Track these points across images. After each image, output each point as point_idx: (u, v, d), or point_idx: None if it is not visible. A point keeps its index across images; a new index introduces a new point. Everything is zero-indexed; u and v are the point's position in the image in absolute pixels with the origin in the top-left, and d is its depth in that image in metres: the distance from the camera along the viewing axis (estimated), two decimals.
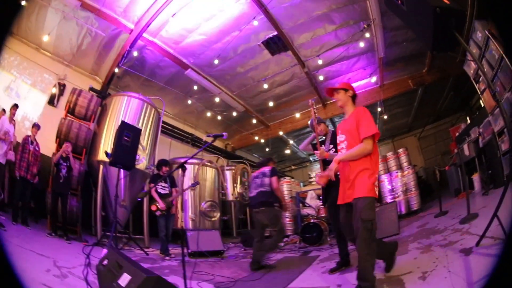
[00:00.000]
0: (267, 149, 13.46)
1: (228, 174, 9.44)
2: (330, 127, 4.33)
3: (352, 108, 2.86)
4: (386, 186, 7.27)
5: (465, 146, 6.39)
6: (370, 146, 2.55)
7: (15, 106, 5.49)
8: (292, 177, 16.14)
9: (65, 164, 5.51)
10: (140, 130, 5.94)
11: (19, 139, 5.47)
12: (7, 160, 5.15)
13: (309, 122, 4.19)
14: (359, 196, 2.52)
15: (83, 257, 4.01)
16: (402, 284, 2.58)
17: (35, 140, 5.55)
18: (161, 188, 5.56)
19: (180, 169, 2.99)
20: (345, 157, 2.66)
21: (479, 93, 5.55)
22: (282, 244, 6.62)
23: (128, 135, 5.37)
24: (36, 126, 5.60)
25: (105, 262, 2.57)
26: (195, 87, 8.66)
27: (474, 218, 3.75)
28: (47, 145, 6.20)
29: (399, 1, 3.24)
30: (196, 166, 7.96)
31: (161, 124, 7.52)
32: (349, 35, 7.20)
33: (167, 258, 5.12)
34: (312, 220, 6.28)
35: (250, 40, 7.30)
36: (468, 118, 9.38)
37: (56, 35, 6.80)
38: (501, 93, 4.39)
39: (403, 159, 7.50)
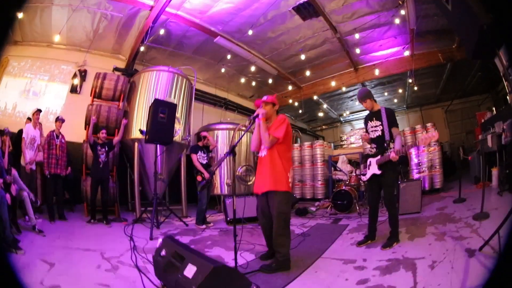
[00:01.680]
0: (300, 111, 13.98)
1: None
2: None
3: (275, 117, 3.51)
4: (414, 159, 7.46)
5: (489, 137, 6.36)
6: (270, 143, 3.28)
7: (38, 111, 5.62)
8: (323, 137, 17.05)
9: (103, 149, 5.72)
10: (176, 105, 5.98)
11: (45, 134, 5.67)
12: (37, 162, 5.43)
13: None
14: (276, 190, 3.22)
15: (126, 239, 4.31)
16: (414, 269, 2.95)
17: (60, 133, 5.68)
18: (202, 158, 5.92)
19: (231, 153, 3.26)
20: (260, 127, 3.37)
21: (507, 91, 5.58)
22: (314, 209, 7.15)
23: (163, 112, 5.43)
24: (60, 120, 5.68)
25: (163, 252, 2.63)
26: (226, 54, 8.73)
27: (485, 218, 4.04)
28: (76, 132, 6.53)
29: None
30: (232, 132, 8.27)
31: (194, 93, 7.67)
32: (381, 4, 7.07)
33: (204, 226, 5.57)
34: (343, 187, 6.55)
35: (280, 6, 7.18)
36: (494, 105, 9.60)
37: (68, 27, 6.75)
38: None
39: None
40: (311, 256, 3.63)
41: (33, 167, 5.34)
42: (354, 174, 7.03)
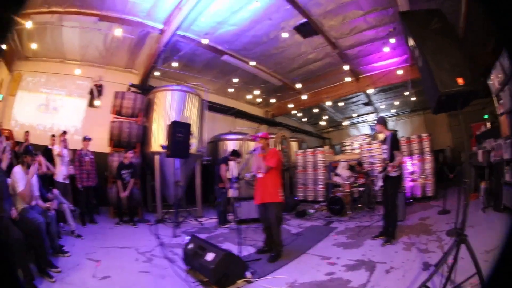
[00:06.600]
0: (304, 119, 15.95)
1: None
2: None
3: (268, 149, 4.90)
4: (408, 167, 8.35)
5: (480, 152, 6.96)
6: (266, 170, 4.65)
7: (64, 132, 6.83)
8: (330, 139, 19.46)
9: (127, 171, 6.91)
10: (190, 125, 7.31)
11: (71, 146, 6.85)
12: (70, 176, 6.39)
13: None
14: (273, 201, 4.61)
15: (153, 237, 5.54)
16: (373, 270, 3.71)
17: (88, 150, 6.85)
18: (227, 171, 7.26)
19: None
20: (258, 159, 4.78)
21: (498, 113, 6.07)
22: (312, 211, 8.35)
23: (181, 132, 6.81)
24: (87, 139, 6.85)
25: (191, 246, 3.93)
26: (234, 69, 10.14)
27: None
28: (97, 143, 7.60)
29: (418, 53, 3.11)
30: (240, 142, 9.81)
31: (205, 108, 9.00)
32: (378, 19, 8.07)
33: (226, 226, 6.78)
34: (337, 194, 7.77)
35: (280, 26, 8.32)
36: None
37: (81, 45, 7.72)
38: None
39: (426, 144, 8.47)
40: (298, 252, 4.73)
41: (67, 181, 6.33)
42: (348, 183, 8.20)
